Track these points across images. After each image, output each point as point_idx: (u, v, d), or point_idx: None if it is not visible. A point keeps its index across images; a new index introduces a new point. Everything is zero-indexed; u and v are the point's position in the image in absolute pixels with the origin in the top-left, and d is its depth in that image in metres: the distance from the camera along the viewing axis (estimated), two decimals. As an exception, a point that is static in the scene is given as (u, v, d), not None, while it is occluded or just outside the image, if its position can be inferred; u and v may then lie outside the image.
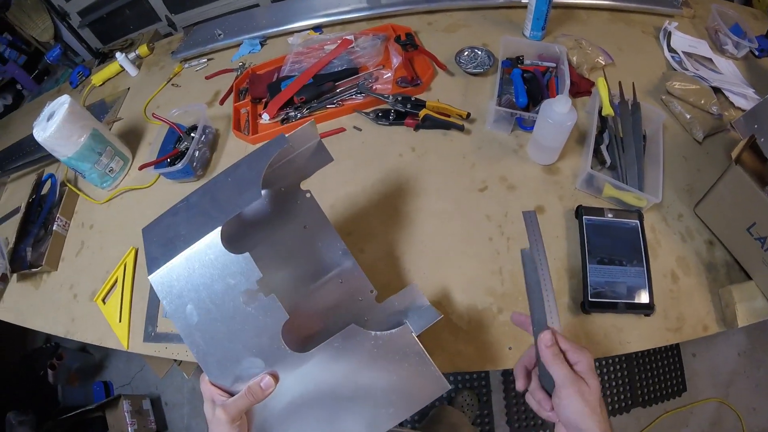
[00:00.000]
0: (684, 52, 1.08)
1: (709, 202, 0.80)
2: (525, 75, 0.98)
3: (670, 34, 1.11)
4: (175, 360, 1.55)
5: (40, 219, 0.98)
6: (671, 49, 1.10)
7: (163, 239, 0.52)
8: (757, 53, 1.10)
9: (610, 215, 0.81)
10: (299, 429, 0.50)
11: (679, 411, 1.60)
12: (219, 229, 0.48)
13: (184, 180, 0.97)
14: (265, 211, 0.63)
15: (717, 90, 0.99)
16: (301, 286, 0.56)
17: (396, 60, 1.06)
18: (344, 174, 0.92)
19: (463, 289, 0.77)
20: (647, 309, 0.73)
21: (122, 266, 0.89)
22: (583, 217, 0.81)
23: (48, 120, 0.87)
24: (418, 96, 1.00)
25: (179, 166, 0.89)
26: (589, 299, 0.73)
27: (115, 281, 0.88)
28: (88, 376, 1.88)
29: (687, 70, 1.05)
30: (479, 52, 1.08)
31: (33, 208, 0.99)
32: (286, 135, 0.53)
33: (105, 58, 1.38)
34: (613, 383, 1.63)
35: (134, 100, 1.18)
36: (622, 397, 1.61)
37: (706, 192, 0.80)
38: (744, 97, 0.98)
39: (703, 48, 1.10)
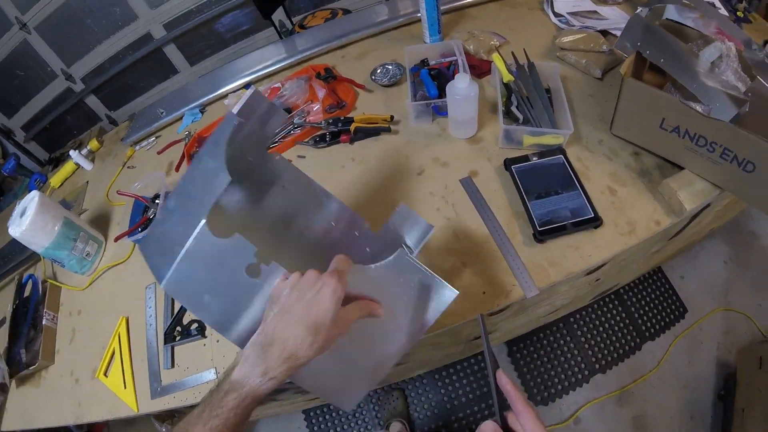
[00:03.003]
0: (569, 13, 1.23)
1: (619, 119, 0.91)
2: (432, 72, 1.12)
3: (552, 2, 1.26)
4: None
5: (28, 320, 1.01)
6: (557, 14, 1.24)
7: (161, 249, 0.55)
8: (637, -5, 1.22)
9: (535, 158, 0.92)
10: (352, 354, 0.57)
11: (688, 332, 1.64)
12: (203, 221, 0.52)
13: (157, 244, 1.03)
14: (243, 189, 0.64)
15: (605, 33, 1.13)
16: (303, 242, 0.59)
17: (321, 92, 1.18)
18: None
19: (426, 257, 0.85)
20: (594, 221, 0.82)
21: (116, 337, 0.93)
22: (512, 166, 0.92)
23: (21, 216, 0.94)
24: (346, 116, 1.12)
25: (150, 229, 0.96)
26: (539, 229, 0.82)
27: (113, 353, 0.92)
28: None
29: (574, 26, 1.19)
30: (390, 67, 1.22)
31: (19, 312, 1.03)
32: (234, 111, 0.56)
33: (58, 162, 1.46)
34: (615, 327, 1.68)
35: (95, 191, 1.26)
36: (629, 337, 1.65)
37: (613, 113, 0.91)
38: (630, 31, 1.11)
39: (586, 3, 1.25)
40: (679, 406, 1.52)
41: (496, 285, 0.80)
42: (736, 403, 1.33)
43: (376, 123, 1.08)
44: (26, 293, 1.07)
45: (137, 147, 1.31)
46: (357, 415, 1.67)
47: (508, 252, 0.83)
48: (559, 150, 0.92)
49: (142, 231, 1.01)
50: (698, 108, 0.76)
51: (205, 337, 0.88)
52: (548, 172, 0.90)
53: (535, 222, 0.83)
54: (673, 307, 1.71)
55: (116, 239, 0.99)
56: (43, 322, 1.00)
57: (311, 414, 1.68)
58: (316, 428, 1.66)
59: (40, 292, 1.06)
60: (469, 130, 1.01)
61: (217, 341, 0.86)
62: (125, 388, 0.87)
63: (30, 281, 1.08)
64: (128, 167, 1.27)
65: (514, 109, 0.99)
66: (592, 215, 0.82)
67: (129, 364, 0.89)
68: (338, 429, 1.65)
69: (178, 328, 0.89)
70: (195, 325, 0.88)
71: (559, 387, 1.60)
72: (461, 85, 0.89)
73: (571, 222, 0.82)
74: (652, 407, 1.53)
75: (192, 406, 0.53)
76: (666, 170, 0.88)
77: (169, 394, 0.84)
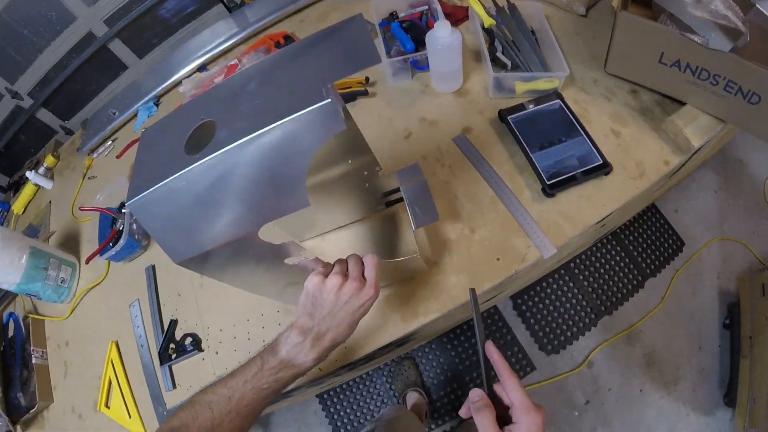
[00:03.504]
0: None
1: (614, 56, 0.84)
2: (404, 25, 1.02)
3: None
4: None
5: (18, 361, 0.94)
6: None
7: (182, 229, 0.48)
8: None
9: (531, 106, 0.85)
10: None
11: (688, 265, 1.64)
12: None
13: (133, 256, 0.95)
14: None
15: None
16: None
17: (284, 63, 1.08)
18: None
19: (431, 227, 0.78)
20: (604, 168, 0.76)
21: (109, 364, 0.87)
22: (508, 117, 0.84)
23: (-16, 257, 0.85)
24: (316, 85, 1.02)
25: (121, 242, 0.88)
26: (548, 182, 0.76)
27: (110, 382, 0.86)
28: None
29: (549, -39, 1.09)
30: (356, 24, 1.11)
31: (7, 355, 0.96)
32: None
33: (18, 186, 1.35)
34: (616, 267, 1.66)
35: (59, 210, 1.15)
36: (630, 276, 1.64)
37: (607, 49, 0.84)
38: (612, -37, 1.03)
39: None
40: (687, 339, 1.53)
41: (510, 249, 0.74)
42: (742, 331, 1.34)
43: (350, 87, 0.99)
44: (10, 333, 0.99)
45: (94, 155, 1.19)
46: (371, 390, 1.64)
47: (517, 211, 0.77)
48: (555, 94, 0.85)
49: (113, 246, 0.92)
50: (698, 39, 0.70)
51: (202, 351, 0.81)
52: (547, 119, 0.84)
53: (542, 175, 0.77)
54: (671, 241, 1.70)
55: (87, 261, 0.90)
56: (33, 361, 0.92)
57: (325, 396, 1.65)
58: (331, 409, 1.64)
59: (24, 329, 0.97)
60: (454, 83, 0.92)
61: (216, 353, 0.80)
62: (130, 417, 0.81)
63: (11, 320, 1.00)
64: (89, 178, 1.16)
65: (500, 55, 0.91)
66: (601, 161, 0.77)
67: (129, 392, 0.83)
68: (354, 407, 1.63)
69: (172, 345, 0.82)
70: (189, 340, 0.81)
71: (569, 334, 1.59)
72: (442, 34, 0.80)
73: (580, 171, 0.77)
74: (661, 342, 1.53)
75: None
76: (667, 106, 0.83)
77: (178, 415, 0.78)
